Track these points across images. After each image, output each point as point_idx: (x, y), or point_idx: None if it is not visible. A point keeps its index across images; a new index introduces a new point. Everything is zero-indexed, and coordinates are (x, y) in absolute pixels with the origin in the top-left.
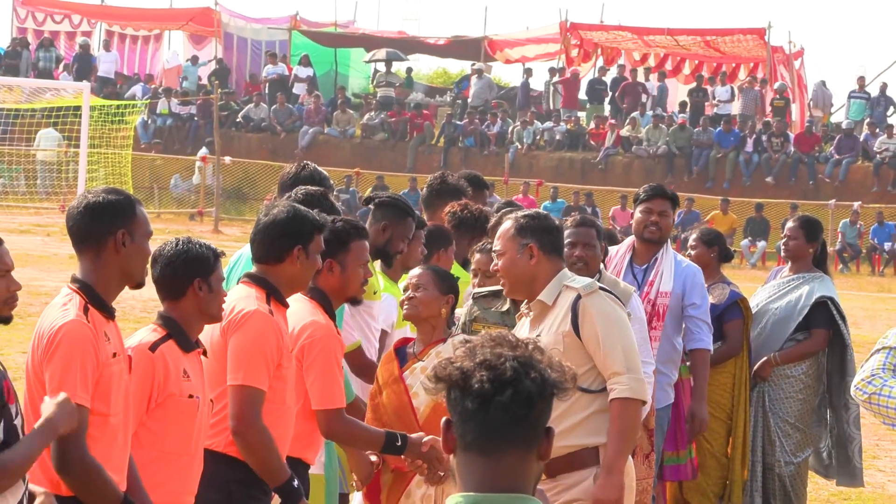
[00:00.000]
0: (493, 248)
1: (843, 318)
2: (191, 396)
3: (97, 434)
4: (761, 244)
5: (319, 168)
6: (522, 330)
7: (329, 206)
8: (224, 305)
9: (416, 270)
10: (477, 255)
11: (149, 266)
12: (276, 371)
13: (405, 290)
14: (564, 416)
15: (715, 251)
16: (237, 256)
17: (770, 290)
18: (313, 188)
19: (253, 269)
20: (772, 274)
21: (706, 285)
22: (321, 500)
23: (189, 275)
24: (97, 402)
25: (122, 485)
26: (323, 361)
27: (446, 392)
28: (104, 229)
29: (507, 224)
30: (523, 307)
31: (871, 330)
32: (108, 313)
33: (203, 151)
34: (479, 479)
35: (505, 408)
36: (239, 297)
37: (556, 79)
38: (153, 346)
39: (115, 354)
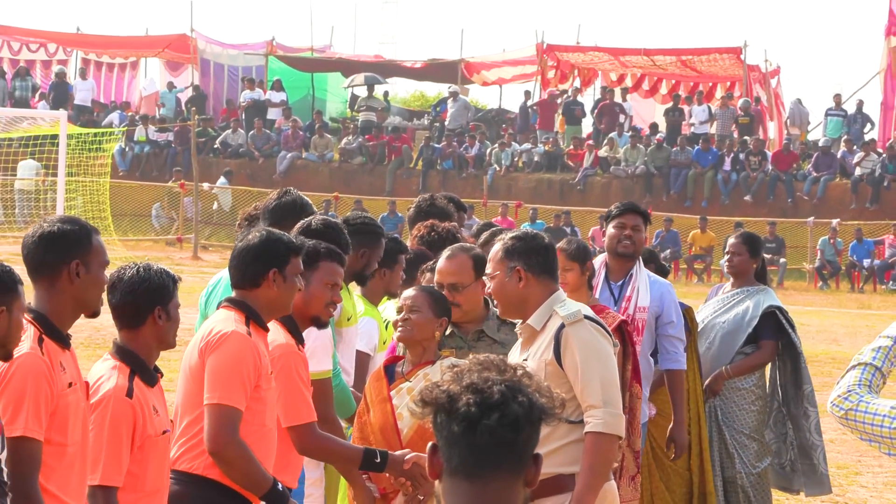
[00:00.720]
0: (486, 271)
1: (792, 326)
2: (164, 432)
3: (54, 464)
4: None
5: (301, 194)
6: (516, 351)
7: (345, 242)
8: (204, 329)
9: (411, 292)
10: (427, 275)
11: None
12: (254, 392)
13: (399, 311)
14: (542, 443)
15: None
16: (216, 280)
17: (714, 305)
18: (332, 220)
19: (232, 294)
20: (713, 291)
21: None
22: None
23: (150, 304)
24: (54, 433)
25: None
26: (285, 379)
27: (433, 416)
28: (59, 259)
29: (496, 247)
30: (518, 328)
31: (851, 346)
32: (64, 343)
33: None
34: None
35: (492, 431)
36: (217, 320)
37: (532, 101)
38: (129, 392)
39: (70, 384)
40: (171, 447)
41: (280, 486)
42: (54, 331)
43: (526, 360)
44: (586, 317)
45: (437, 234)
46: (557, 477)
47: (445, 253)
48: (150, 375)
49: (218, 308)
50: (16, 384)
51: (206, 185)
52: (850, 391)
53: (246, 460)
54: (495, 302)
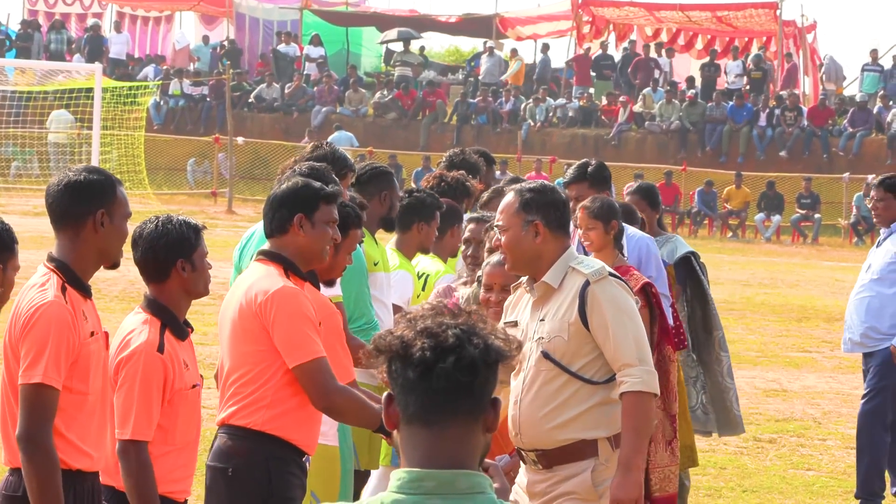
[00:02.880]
0: (496, 223)
1: (704, 272)
2: (194, 386)
3: (75, 412)
4: (776, 218)
5: (336, 149)
6: (524, 308)
7: (331, 182)
8: (242, 283)
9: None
10: (471, 225)
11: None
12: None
13: (488, 288)
14: (564, 408)
15: (658, 213)
16: (250, 233)
17: None
18: (317, 164)
19: (266, 245)
20: None
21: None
22: (335, 473)
23: (171, 257)
24: (76, 381)
25: (101, 461)
26: (287, 317)
27: (387, 365)
28: (84, 208)
29: (511, 198)
30: (524, 281)
31: None
32: (86, 292)
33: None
34: (423, 452)
35: (448, 375)
36: (260, 276)
37: (567, 57)
38: (160, 347)
39: (92, 333)
40: (221, 402)
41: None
42: (76, 280)
43: (543, 320)
44: (610, 273)
45: (447, 183)
46: (579, 443)
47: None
48: (181, 329)
49: (254, 259)
50: (39, 331)
51: (240, 140)
52: None
53: (355, 402)
54: (504, 255)
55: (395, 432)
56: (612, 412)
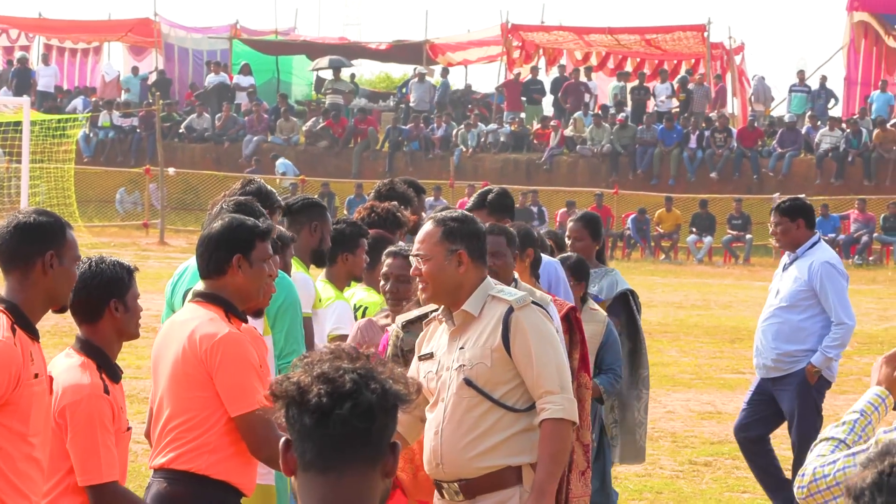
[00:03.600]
0: (415, 252)
1: (639, 310)
2: (127, 429)
3: (13, 451)
4: (707, 239)
5: (265, 183)
6: (439, 339)
7: (259, 215)
8: (182, 326)
9: None
10: (389, 260)
11: None
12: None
13: (384, 278)
14: (487, 435)
15: (599, 244)
16: (183, 268)
17: None
18: (243, 197)
19: (201, 285)
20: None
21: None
22: None
23: (104, 297)
24: (15, 422)
25: None
26: (232, 365)
27: (285, 410)
28: (32, 250)
29: (431, 227)
30: (438, 313)
31: None
32: (34, 334)
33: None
34: (320, 499)
35: (344, 422)
36: (202, 320)
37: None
38: (105, 389)
39: (37, 375)
40: (157, 446)
41: None
42: (26, 321)
43: (463, 348)
44: (533, 301)
45: (378, 214)
46: (503, 471)
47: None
48: (114, 372)
49: (190, 300)
50: None
51: (171, 170)
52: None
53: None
54: (421, 286)
55: (292, 479)
56: (535, 438)
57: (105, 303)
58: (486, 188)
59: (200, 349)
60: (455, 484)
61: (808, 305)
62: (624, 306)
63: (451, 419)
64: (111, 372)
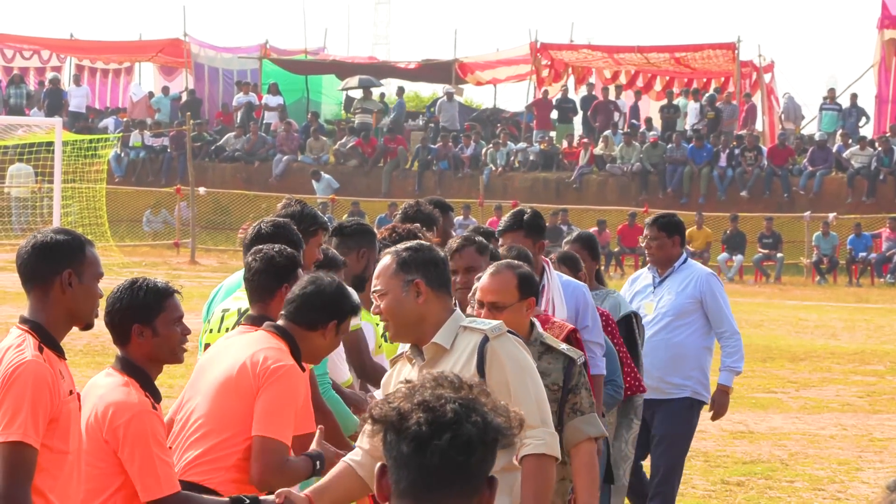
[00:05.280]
0: (373, 289)
1: (641, 335)
2: (170, 447)
3: (56, 472)
4: (738, 258)
5: (308, 204)
6: (409, 377)
7: (297, 239)
8: (245, 346)
9: None
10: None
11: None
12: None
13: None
14: None
15: (597, 264)
16: (217, 290)
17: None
18: (280, 220)
19: (280, 321)
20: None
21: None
22: None
23: (125, 322)
24: (56, 440)
25: None
26: (280, 391)
27: (382, 435)
28: (50, 268)
29: (387, 260)
30: (407, 351)
31: (849, 340)
32: (60, 352)
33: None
34: None
35: (442, 453)
36: (269, 346)
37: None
38: (154, 406)
39: (71, 392)
40: (179, 451)
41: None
42: (51, 340)
43: None
44: (508, 331)
45: (398, 234)
46: None
47: (489, 269)
48: (155, 393)
49: (264, 329)
50: (17, 390)
51: (201, 190)
52: None
53: (289, 482)
54: (385, 324)
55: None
56: (512, 478)
57: (127, 328)
58: (518, 209)
59: (262, 366)
60: None
61: (692, 321)
62: (626, 330)
63: None
64: (153, 392)
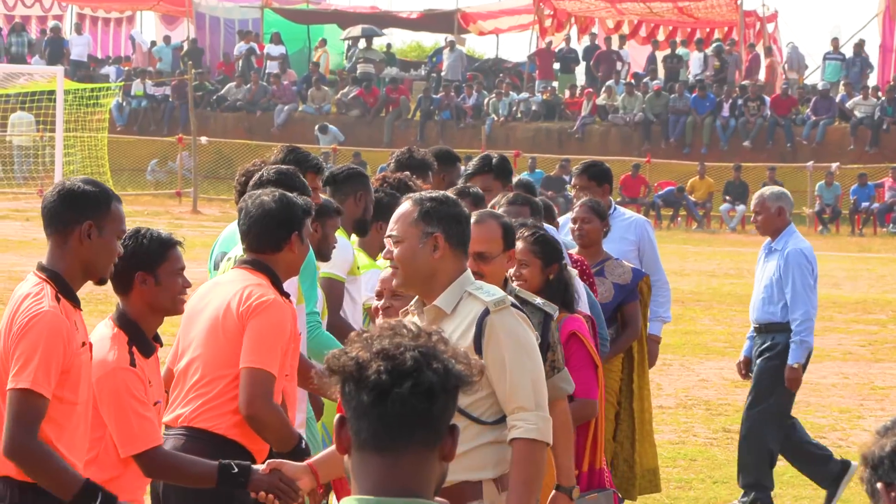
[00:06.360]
0: (389, 233)
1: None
2: (155, 403)
3: (64, 422)
4: (740, 208)
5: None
6: None
7: (301, 185)
8: (228, 286)
9: None
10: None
11: None
12: (282, 358)
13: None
14: None
15: (607, 226)
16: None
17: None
18: (284, 167)
19: (245, 255)
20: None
21: (595, 263)
22: None
23: (129, 269)
24: (67, 391)
25: (81, 471)
26: (266, 326)
27: (341, 386)
28: (72, 217)
29: (408, 206)
30: (410, 306)
31: (852, 290)
32: (76, 303)
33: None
34: (375, 479)
35: (403, 401)
36: (251, 283)
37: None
38: (132, 362)
39: (83, 343)
40: (176, 402)
41: (304, 442)
42: (68, 290)
43: None
44: (513, 304)
45: (389, 184)
46: (461, 485)
47: (473, 217)
48: (147, 346)
49: (237, 266)
50: (31, 339)
51: (203, 139)
52: None
53: (280, 422)
54: (394, 269)
55: (346, 457)
56: (499, 452)
57: (131, 275)
58: (486, 153)
59: (244, 304)
60: None
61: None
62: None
63: None
64: (143, 345)
